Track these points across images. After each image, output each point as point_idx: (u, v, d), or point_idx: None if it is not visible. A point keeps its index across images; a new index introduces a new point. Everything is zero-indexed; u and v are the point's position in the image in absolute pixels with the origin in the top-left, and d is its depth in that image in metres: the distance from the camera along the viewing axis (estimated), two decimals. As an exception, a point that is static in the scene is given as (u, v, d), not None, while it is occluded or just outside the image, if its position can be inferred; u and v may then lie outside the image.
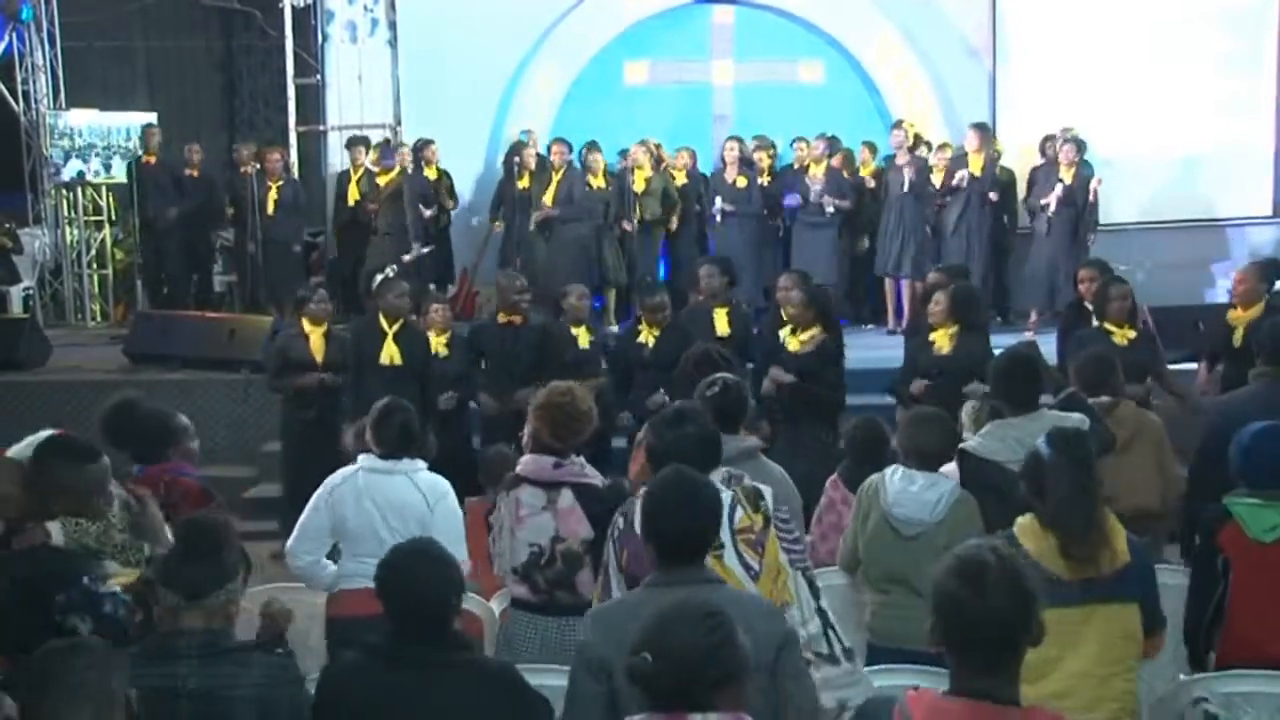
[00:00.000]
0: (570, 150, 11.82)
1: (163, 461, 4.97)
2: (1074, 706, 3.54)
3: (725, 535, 3.72)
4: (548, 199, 11.54)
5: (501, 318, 8.24)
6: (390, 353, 7.85)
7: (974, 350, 7.43)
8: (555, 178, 11.59)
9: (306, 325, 8.21)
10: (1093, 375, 5.79)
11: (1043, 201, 11.42)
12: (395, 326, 7.92)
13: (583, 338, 8.25)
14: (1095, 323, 7.42)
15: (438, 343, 8.16)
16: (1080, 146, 11.50)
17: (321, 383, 8.05)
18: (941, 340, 7.45)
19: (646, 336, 8.02)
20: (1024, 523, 3.81)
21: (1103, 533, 3.72)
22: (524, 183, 11.77)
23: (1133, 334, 7.09)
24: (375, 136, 12.68)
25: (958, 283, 8.12)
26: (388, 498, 4.86)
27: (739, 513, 3.74)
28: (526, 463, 4.70)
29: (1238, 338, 7.42)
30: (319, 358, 8.12)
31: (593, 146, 11.87)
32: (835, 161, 11.90)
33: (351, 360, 7.99)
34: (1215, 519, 4.34)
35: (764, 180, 11.94)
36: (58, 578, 3.63)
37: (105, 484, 4.01)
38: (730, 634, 2.58)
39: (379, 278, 8.62)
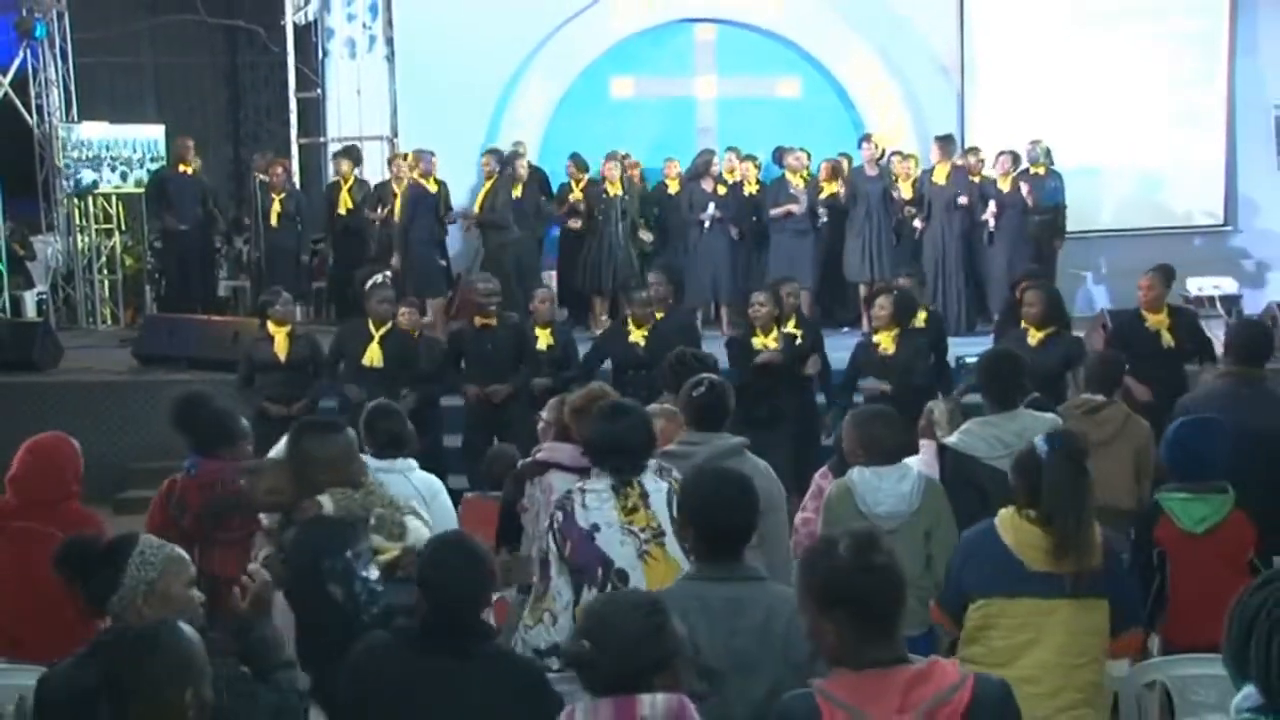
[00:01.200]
0: (498, 160, 11.81)
1: (218, 457, 4.96)
2: (1039, 692, 3.55)
3: (666, 524, 3.75)
4: (477, 206, 11.59)
5: (477, 321, 8.24)
6: (372, 355, 7.89)
7: (914, 351, 7.56)
8: (485, 186, 11.59)
9: (271, 327, 8.18)
10: (1103, 375, 5.93)
11: (982, 218, 11.55)
12: (382, 330, 7.96)
13: (543, 339, 8.25)
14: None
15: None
16: (1015, 158, 11.63)
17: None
18: (886, 342, 7.55)
19: (637, 336, 7.99)
20: (1005, 514, 3.79)
21: (1091, 532, 3.70)
22: (517, 191, 11.75)
23: (1041, 335, 7.18)
24: (373, 148, 12.68)
25: (900, 288, 8.26)
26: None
27: (676, 502, 3.69)
28: (556, 450, 4.66)
29: (1167, 339, 7.52)
30: (283, 357, 8.08)
31: (610, 156, 11.88)
32: (822, 173, 11.95)
33: (332, 360, 8.07)
34: (1148, 513, 4.37)
35: (752, 190, 11.97)
36: (327, 546, 3.75)
37: (355, 453, 4.13)
38: (665, 621, 2.60)
39: (370, 283, 8.59)
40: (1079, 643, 3.68)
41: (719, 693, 3.00)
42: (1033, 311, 7.27)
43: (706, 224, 11.69)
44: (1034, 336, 7.18)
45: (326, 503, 3.92)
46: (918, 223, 11.62)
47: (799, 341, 7.93)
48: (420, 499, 4.83)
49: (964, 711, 2.44)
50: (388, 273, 8.97)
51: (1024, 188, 11.40)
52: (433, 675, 3.18)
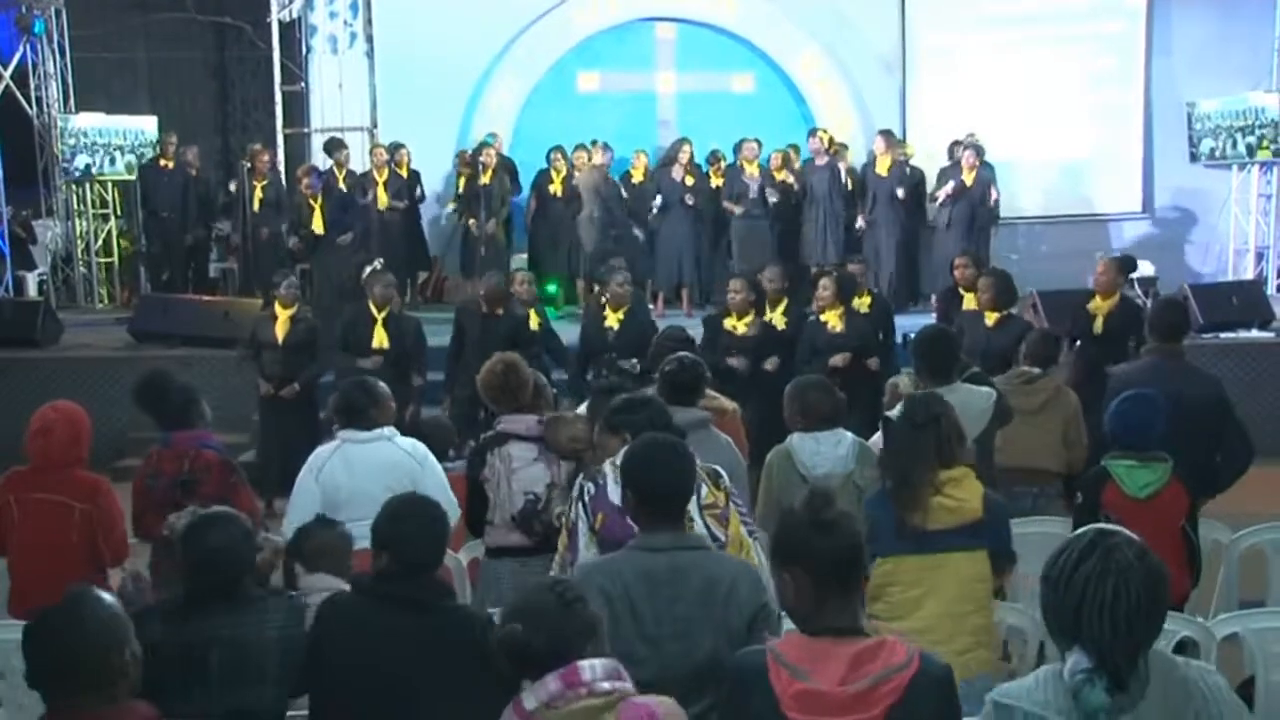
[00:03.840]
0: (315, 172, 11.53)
1: (189, 429, 4.89)
2: (934, 640, 3.53)
3: (694, 510, 3.61)
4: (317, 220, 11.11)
5: (484, 307, 8.06)
6: (380, 338, 7.87)
7: (862, 328, 7.58)
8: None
9: (277, 308, 8.17)
10: (1041, 351, 5.96)
11: (932, 193, 11.49)
12: (384, 314, 7.93)
13: (532, 320, 8.22)
14: (970, 305, 7.58)
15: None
16: (980, 151, 11.60)
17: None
18: (834, 320, 7.53)
19: (612, 321, 7.85)
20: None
21: (924, 490, 3.73)
22: (486, 178, 11.64)
23: (996, 316, 7.14)
24: (353, 138, 12.53)
25: (840, 270, 8.27)
26: (378, 462, 4.71)
27: (704, 489, 3.60)
28: (514, 422, 4.64)
29: (1099, 325, 7.44)
30: (280, 337, 8.06)
31: (581, 148, 11.70)
32: (774, 161, 11.88)
33: (339, 343, 8.00)
34: (1096, 478, 4.38)
35: (718, 182, 11.87)
36: None
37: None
38: (579, 593, 2.51)
39: (368, 270, 8.50)
40: (967, 591, 3.72)
41: (660, 657, 2.95)
42: (986, 297, 7.18)
43: (654, 210, 11.53)
44: (990, 318, 7.13)
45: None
46: (860, 221, 11.57)
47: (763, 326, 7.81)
48: (412, 460, 4.77)
49: (904, 689, 2.39)
50: (381, 260, 8.83)
51: (993, 194, 11.37)
52: (391, 629, 3.12)
